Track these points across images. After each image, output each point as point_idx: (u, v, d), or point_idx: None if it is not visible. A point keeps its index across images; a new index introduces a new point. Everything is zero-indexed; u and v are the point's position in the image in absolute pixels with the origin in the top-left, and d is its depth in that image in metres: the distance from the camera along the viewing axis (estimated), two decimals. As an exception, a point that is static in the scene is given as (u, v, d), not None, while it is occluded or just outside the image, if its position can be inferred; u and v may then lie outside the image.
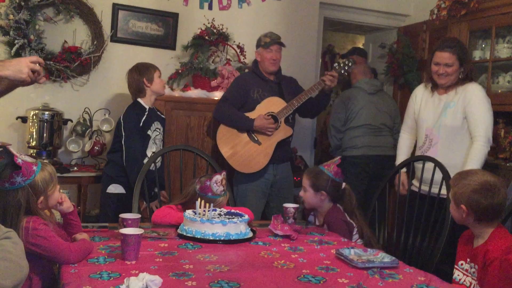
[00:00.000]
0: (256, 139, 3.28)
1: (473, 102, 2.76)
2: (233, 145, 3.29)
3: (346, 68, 3.33)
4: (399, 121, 4.11)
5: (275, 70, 3.36)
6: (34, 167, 1.79)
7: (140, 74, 3.17)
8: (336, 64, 3.36)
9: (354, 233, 2.49)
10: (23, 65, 1.83)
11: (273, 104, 3.29)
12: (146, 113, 3.15)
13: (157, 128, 3.22)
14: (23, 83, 1.87)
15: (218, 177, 2.39)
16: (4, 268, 1.21)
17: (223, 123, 3.37)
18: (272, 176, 3.34)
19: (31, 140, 3.49)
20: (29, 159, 1.82)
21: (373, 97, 4.00)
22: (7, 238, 1.32)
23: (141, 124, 3.10)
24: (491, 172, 2.03)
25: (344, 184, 2.57)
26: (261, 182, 3.31)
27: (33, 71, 1.86)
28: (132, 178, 2.97)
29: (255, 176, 3.29)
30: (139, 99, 3.19)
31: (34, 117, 3.49)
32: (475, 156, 2.73)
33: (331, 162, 2.57)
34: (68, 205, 1.96)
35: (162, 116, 3.34)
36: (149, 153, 3.14)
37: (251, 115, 3.30)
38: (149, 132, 3.14)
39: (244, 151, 3.25)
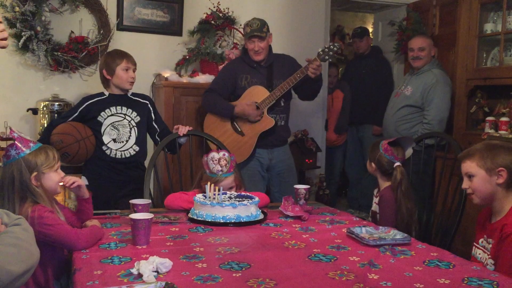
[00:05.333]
0: (240, 129, 3.24)
1: None
2: (219, 135, 3.21)
3: (330, 53, 3.10)
4: None
5: (260, 60, 3.23)
6: (31, 144, 1.82)
7: (104, 62, 2.94)
8: (320, 50, 3.13)
9: None
10: None
11: (256, 94, 3.21)
12: (97, 98, 2.92)
13: (119, 113, 2.91)
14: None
15: (214, 155, 2.38)
16: (14, 254, 1.22)
17: (208, 111, 3.36)
18: (267, 160, 3.28)
19: (42, 131, 3.52)
20: (29, 138, 1.84)
21: None
22: (16, 225, 1.33)
23: (83, 106, 2.89)
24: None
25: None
26: (256, 165, 3.27)
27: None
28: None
29: (248, 161, 3.24)
30: (104, 90, 2.99)
31: (45, 108, 3.52)
32: None
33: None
34: (85, 191, 2.02)
35: (141, 100, 3.01)
36: (106, 140, 2.88)
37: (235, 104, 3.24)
38: (99, 118, 2.87)
39: (228, 141, 3.19)
